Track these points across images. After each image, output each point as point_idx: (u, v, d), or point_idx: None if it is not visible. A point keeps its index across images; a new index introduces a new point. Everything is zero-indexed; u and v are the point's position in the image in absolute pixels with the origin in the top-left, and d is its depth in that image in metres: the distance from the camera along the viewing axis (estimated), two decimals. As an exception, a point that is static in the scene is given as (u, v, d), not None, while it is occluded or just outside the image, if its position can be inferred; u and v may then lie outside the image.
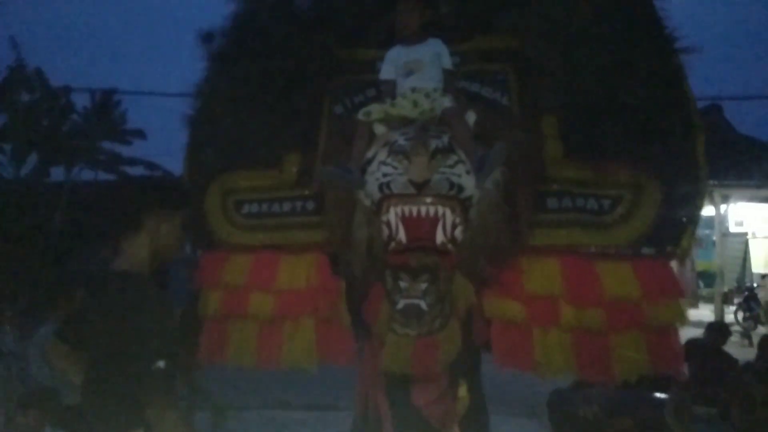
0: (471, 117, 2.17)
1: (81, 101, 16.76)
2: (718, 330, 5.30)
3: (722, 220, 12.15)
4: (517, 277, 2.18)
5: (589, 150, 2.27)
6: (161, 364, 1.46)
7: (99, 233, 13.53)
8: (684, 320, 2.27)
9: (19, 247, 10.90)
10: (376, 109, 2.21)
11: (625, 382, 3.74)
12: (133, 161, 16.68)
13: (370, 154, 2.18)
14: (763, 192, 11.74)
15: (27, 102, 14.69)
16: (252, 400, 5.11)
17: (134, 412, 1.48)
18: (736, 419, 4.12)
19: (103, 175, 16.59)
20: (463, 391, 2.10)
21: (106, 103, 17.04)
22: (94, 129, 16.22)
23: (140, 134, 17.33)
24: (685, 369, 5.12)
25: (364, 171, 2.16)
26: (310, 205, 2.46)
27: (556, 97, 2.32)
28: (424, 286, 2.00)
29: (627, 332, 2.16)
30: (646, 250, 2.26)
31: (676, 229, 2.28)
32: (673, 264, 2.32)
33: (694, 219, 2.32)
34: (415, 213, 2.01)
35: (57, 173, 15.37)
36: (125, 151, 17.09)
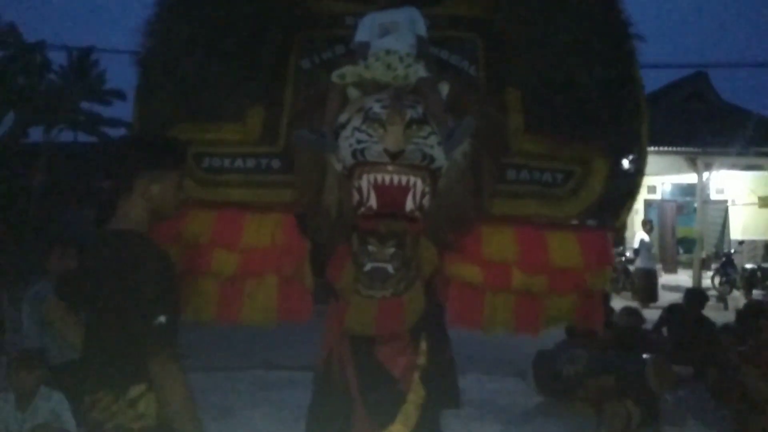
0: (444, 88, 2.18)
1: (57, 60, 16.22)
2: (696, 296, 5.49)
3: (704, 187, 12.32)
4: (477, 244, 2.29)
5: (547, 125, 2.36)
6: (162, 318, 1.46)
7: (80, 194, 13.39)
8: (607, 286, 2.53)
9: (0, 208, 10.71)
10: (350, 72, 2.17)
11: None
12: (113, 122, 16.27)
13: (343, 118, 2.15)
14: (744, 160, 11.89)
15: (1, 58, 14.16)
16: (241, 361, 5.17)
17: (137, 367, 1.49)
18: (711, 379, 4.30)
19: (82, 137, 16.25)
20: (423, 345, 2.17)
21: (83, 61, 16.49)
22: (73, 88, 15.74)
23: (119, 95, 16.84)
24: (664, 331, 5.34)
25: (336, 135, 2.14)
26: (276, 164, 2.42)
27: (522, 70, 2.38)
28: (391, 251, 2.08)
29: (564, 296, 2.37)
30: (590, 222, 2.44)
31: (617, 203, 2.46)
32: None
33: (634, 194, 2.50)
34: (387, 181, 2.04)
35: (35, 134, 15.00)
36: (105, 111, 16.70)
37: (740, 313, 4.54)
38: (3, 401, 2.76)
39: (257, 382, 4.60)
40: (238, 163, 2.44)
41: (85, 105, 16.37)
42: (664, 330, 5.36)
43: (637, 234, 9.72)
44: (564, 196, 2.40)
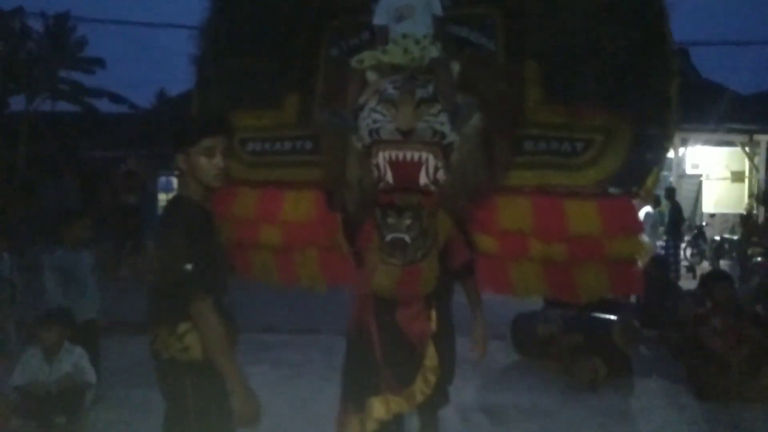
0: (455, 67, 2.30)
1: (33, 28, 15.82)
2: (658, 263, 5.94)
3: (680, 162, 12.72)
4: (493, 215, 2.39)
5: (567, 95, 2.39)
6: (188, 266, 1.70)
7: (64, 164, 13.32)
8: (642, 253, 2.49)
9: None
10: (368, 57, 2.32)
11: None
12: (97, 92, 16.09)
13: (362, 100, 2.30)
14: (718, 136, 12.29)
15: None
16: (243, 324, 5.44)
17: (182, 307, 1.75)
18: (672, 339, 4.71)
19: (61, 106, 15.95)
20: (433, 312, 2.31)
21: (60, 28, 16.13)
22: (52, 56, 15.45)
23: (100, 63, 16.57)
24: (632, 297, 5.72)
25: (356, 116, 2.29)
26: (308, 145, 2.63)
27: (540, 42, 2.43)
28: (408, 222, 2.22)
29: (587, 263, 2.40)
30: (612, 190, 2.41)
31: (641, 170, 2.41)
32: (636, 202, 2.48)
33: (660, 160, 2.43)
34: (401, 158, 2.18)
35: (17, 104, 14.77)
36: (88, 80, 16.43)
37: (701, 280, 4.92)
38: (31, 355, 3.01)
39: (256, 344, 4.87)
40: (276, 146, 2.68)
41: (66, 74, 16.10)
42: (633, 297, 5.75)
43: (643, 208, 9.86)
44: (583, 164, 2.36)
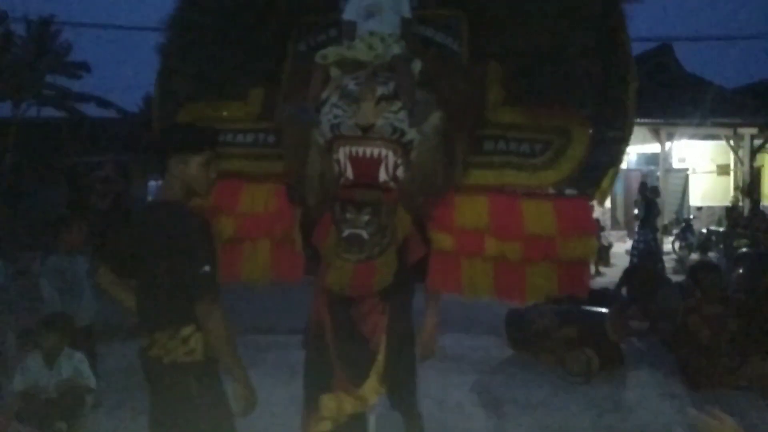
0: (417, 65, 2.34)
1: (16, 31, 15.63)
2: (648, 256, 6.05)
3: (666, 156, 12.90)
4: (450, 212, 2.41)
5: (526, 97, 2.43)
6: (206, 268, 1.76)
7: (51, 171, 13.23)
8: (593, 255, 2.54)
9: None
10: (332, 52, 2.35)
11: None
12: (84, 97, 15.97)
13: (324, 95, 2.33)
14: (704, 130, 12.48)
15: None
16: (236, 326, 5.47)
17: (187, 311, 1.79)
18: (662, 329, 4.80)
19: (46, 112, 15.79)
20: (387, 308, 2.31)
21: (44, 33, 15.97)
22: (37, 61, 15.29)
23: (84, 67, 16.43)
24: (623, 291, 5.83)
25: (319, 111, 2.32)
26: (271, 138, 2.63)
27: (503, 43, 2.47)
28: (366, 218, 2.24)
29: (540, 264, 2.38)
30: (569, 191, 2.46)
31: (597, 172, 2.41)
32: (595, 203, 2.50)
33: (616, 163, 2.45)
34: (360, 153, 2.21)
35: (3, 110, 14.61)
36: (73, 85, 16.26)
37: (690, 271, 5.02)
38: (31, 361, 3.02)
39: (253, 346, 4.90)
40: (240, 137, 2.66)
41: (52, 79, 15.94)
42: (624, 290, 5.86)
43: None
44: (541, 165, 2.39)
